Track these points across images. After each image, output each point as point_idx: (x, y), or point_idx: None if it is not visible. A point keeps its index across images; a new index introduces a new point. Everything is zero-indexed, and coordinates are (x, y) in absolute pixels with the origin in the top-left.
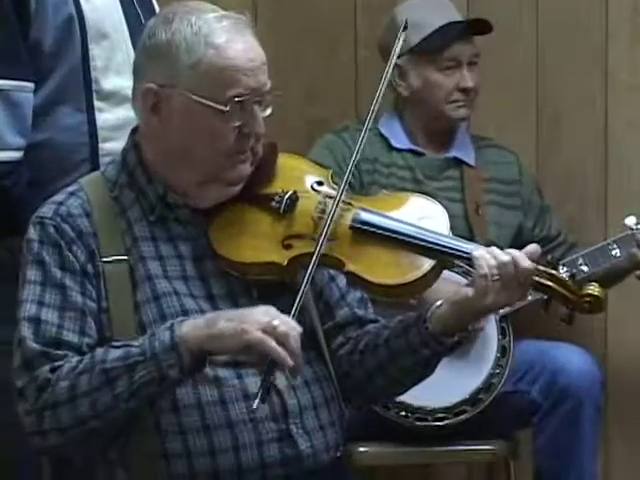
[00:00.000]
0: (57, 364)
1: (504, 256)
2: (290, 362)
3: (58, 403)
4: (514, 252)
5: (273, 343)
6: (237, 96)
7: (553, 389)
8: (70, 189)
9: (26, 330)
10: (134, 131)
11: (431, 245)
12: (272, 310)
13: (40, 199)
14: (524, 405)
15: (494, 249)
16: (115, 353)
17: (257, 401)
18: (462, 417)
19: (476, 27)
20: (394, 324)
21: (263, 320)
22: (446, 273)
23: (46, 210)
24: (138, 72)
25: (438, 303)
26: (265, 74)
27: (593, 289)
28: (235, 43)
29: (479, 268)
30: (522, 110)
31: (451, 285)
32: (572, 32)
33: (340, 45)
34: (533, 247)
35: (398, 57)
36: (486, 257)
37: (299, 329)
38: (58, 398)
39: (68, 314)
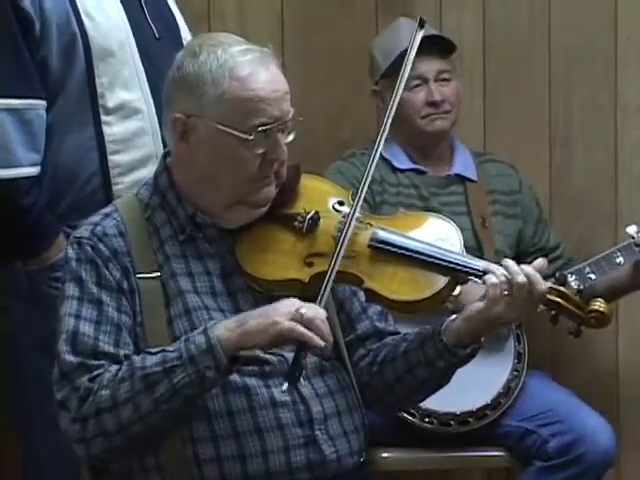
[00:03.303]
0: (96, 373)
1: (519, 275)
2: (320, 342)
3: (101, 410)
4: (529, 271)
5: (302, 328)
6: (261, 125)
7: (571, 451)
8: (105, 210)
9: (63, 344)
10: (166, 155)
11: (445, 263)
12: (296, 300)
13: (54, 217)
14: (538, 449)
15: (510, 265)
16: (153, 359)
17: (286, 384)
18: (485, 421)
19: (439, 44)
20: (412, 337)
21: (290, 310)
22: None
23: (83, 231)
24: (167, 102)
25: (452, 317)
26: (288, 102)
27: (599, 305)
28: (258, 75)
29: (488, 280)
30: (535, 133)
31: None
32: (583, 56)
33: (363, 73)
34: (541, 262)
35: (376, 83)
36: (499, 272)
37: (325, 313)
38: (101, 405)
39: (104, 328)
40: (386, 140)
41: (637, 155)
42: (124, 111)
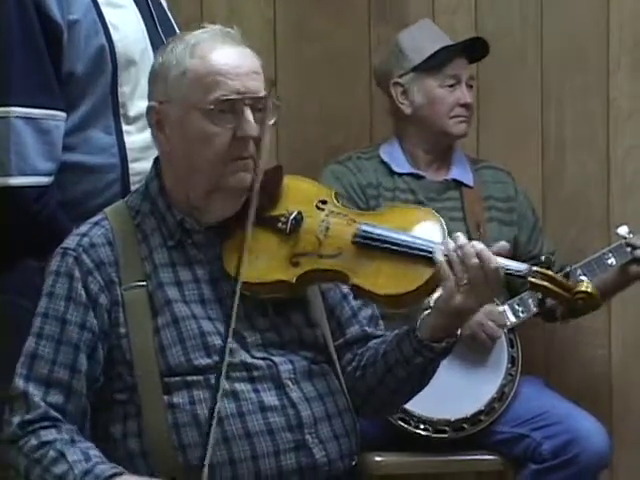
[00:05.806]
0: (27, 418)
1: (471, 259)
2: None
3: (18, 470)
4: (481, 252)
5: None
6: (221, 97)
7: (566, 452)
8: (94, 219)
9: (20, 366)
10: (157, 162)
11: (429, 254)
12: None
13: (71, 219)
14: (532, 452)
15: (463, 247)
16: (60, 468)
17: None
18: (479, 426)
19: (474, 48)
20: (390, 338)
21: None
22: None
23: (70, 241)
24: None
25: (426, 312)
26: (256, 82)
27: (586, 286)
28: (219, 51)
29: (441, 272)
30: (528, 139)
31: None
32: (575, 63)
33: (356, 78)
34: (502, 244)
35: (399, 76)
36: (450, 260)
37: None
38: (18, 467)
39: (63, 348)
40: (386, 142)
41: (629, 161)
42: (143, 121)
